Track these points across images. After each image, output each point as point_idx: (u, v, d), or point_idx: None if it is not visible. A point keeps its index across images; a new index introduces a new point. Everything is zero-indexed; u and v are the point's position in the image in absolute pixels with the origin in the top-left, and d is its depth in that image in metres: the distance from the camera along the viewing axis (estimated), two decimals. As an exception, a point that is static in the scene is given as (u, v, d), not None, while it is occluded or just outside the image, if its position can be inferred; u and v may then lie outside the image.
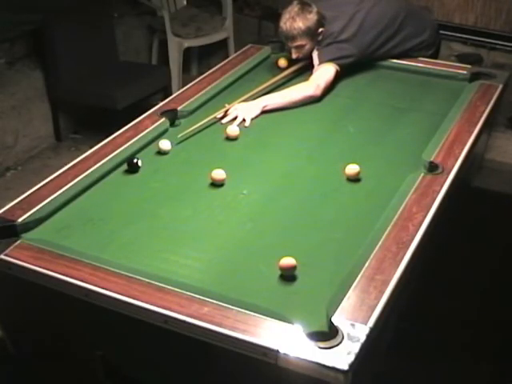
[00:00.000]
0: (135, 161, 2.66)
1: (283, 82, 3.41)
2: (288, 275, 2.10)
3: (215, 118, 3.08)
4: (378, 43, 3.49)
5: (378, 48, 3.49)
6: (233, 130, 2.94)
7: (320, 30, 3.37)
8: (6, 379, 2.76)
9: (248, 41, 4.07)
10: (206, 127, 3.01)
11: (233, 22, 5.63)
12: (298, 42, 3.37)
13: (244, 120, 3.07)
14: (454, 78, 3.45)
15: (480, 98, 3.16)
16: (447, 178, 2.53)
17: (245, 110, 3.11)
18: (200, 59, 5.89)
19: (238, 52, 3.84)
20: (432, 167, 2.59)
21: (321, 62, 3.34)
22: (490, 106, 3.08)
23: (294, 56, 3.46)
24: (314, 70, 3.36)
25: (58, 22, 4.49)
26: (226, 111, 3.12)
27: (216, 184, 2.58)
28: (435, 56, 3.74)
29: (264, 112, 3.14)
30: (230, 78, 3.46)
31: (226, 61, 3.73)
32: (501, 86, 3.29)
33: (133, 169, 2.66)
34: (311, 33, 3.35)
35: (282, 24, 3.36)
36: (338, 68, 3.33)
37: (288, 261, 2.10)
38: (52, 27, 4.47)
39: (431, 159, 2.64)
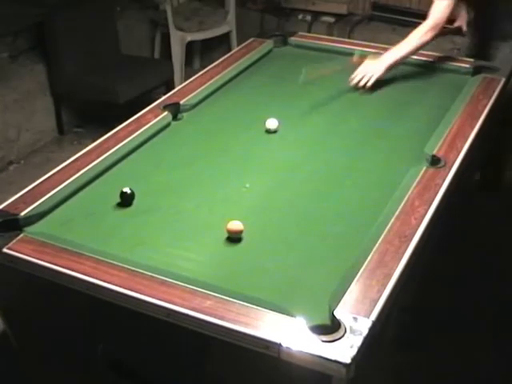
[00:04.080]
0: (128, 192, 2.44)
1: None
2: (235, 238, 2.22)
3: (351, 61, 3.20)
4: None
5: None
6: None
7: None
8: (9, 373, 2.78)
9: (251, 34, 4.06)
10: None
11: (235, 15, 5.63)
12: None
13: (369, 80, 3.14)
14: (456, 71, 3.44)
15: (482, 92, 3.15)
16: (449, 171, 2.53)
17: (370, 69, 3.16)
18: (202, 53, 5.90)
19: (241, 45, 3.83)
20: (434, 161, 2.59)
21: None
22: (492, 100, 3.08)
23: None
24: (433, 5, 3.24)
25: (61, 16, 4.50)
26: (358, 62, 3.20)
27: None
28: None
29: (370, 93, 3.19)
30: (232, 72, 3.46)
31: (229, 54, 3.72)
32: (503, 80, 3.28)
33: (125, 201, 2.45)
34: None
35: None
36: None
37: (236, 225, 2.23)
38: (54, 21, 4.48)
39: (433, 153, 2.64)
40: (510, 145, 3.90)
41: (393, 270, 2.02)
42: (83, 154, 2.68)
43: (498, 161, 3.91)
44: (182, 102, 3.10)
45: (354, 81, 3.16)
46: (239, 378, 1.98)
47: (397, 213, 2.29)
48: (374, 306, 1.88)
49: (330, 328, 1.81)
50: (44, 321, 2.28)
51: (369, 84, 3.09)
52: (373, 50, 3.63)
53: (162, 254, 2.18)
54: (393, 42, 3.60)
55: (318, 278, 2.08)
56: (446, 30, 3.45)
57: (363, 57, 3.29)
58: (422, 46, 3.22)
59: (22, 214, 2.30)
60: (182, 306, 1.89)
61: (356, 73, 3.17)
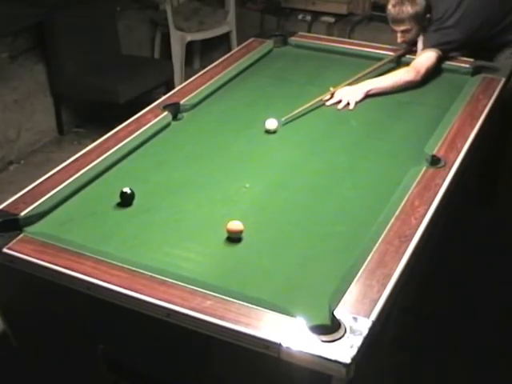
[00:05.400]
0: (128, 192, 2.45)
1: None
2: (235, 238, 2.23)
3: (321, 100, 3.16)
4: (484, 28, 3.45)
5: (483, 33, 3.46)
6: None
7: (427, 15, 3.38)
8: (9, 373, 2.77)
9: (250, 34, 4.06)
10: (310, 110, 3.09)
11: (235, 15, 5.63)
12: (405, 27, 3.39)
13: (348, 104, 3.14)
14: (456, 71, 3.44)
15: (482, 92, 3.15)
16: (449, 171, 2.53)
17: (349, 93, 3.18)
18: (202, 53, 5.90)
19: (241, 45, 3.83)
20: (434, 161, 2.59)
21: (425, 47, 3.37)
22: (492, 100, 3.08)
23: (399, 40, 3.49)
24: (417, 54, 3.42)
25: (61, 16, 4.49)
26: (332, 94, 3.19)
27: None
28: None
29: (369, 96, 3.21)
30: (232, 72, 3.46)
31: (229, 54, 3.72)
32: (503, 80, 3.28)
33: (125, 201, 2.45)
34: (419, 18, 3.36)
35: (390, 7, 3.38)
36: (440, 53, 3.36)
37: (236, 225, 2.23)
38: (54, 21, 4.47)
39: (433, 153, 2.64)
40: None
41: (393, 270, 2.02)
42: (83, 154, 2.68)
43: (496, 171, 3.92)
44: (182, 102, 3.10)
45: (331, 102, 3.16)
46: (239, 378, 1.98)
47: (397, 213, 2.29)
48: (374, 306, 1.88)
49: (330, 328, 1.82)
50: (44, 321, 2.28)
51: (350, 107, 3.12)
52: (373, 50, 3.64)
53: (162, 254, 2.18)
54: (393, 42, 3.61)
55: (318, 277, 2.09)
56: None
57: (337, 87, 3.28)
58: (400, 84, 3.27)
59: (22, 213, 2.30)
60: (181, 306, 1.89)
61: (336, 95, 3.18)
